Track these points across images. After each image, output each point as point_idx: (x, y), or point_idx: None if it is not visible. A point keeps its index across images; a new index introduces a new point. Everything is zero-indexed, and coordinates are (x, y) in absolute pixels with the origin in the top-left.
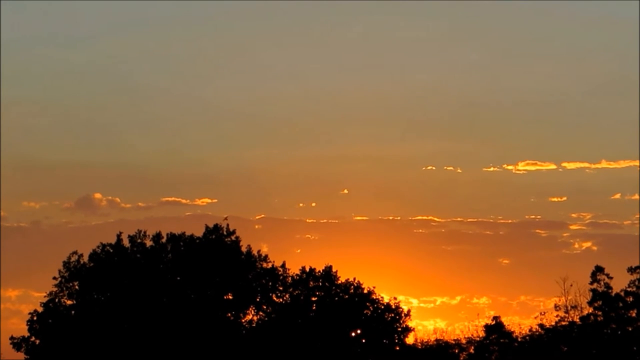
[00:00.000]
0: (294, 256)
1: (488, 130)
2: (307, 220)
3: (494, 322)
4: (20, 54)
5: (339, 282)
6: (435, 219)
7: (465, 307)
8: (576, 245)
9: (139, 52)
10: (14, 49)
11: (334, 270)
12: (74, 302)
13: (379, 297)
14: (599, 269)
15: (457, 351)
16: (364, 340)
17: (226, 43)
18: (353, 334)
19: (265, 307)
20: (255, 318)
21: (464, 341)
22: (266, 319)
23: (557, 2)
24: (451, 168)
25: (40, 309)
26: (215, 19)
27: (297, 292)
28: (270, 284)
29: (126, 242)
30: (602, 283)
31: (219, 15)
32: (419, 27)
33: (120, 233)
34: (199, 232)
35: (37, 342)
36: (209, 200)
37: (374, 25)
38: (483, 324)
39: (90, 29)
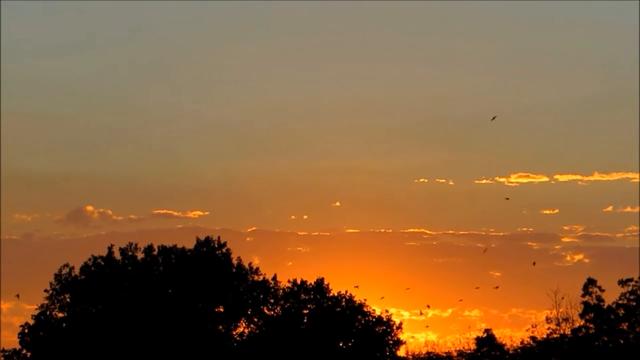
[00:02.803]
0: (285, 269)
1: (480, 143)
2: (299, 233)
3: (485, 335)
4: (13, 65)
5: (331, 294)
6: (427, 231)
7: (456, 319)
8: (568, 258)
9: (131, 65)
10: (5, 60)
11: (325, 282)
12: (65, 314)
13: (371, 309)
14: (590, 282)
15: None
16: (355, 353)
17: (218, 56)
18: (344, 347)
19: (256, 319)
20: (246, 330)
21: (455, 354)
22: (257, 331)
23: (550, 15)
24: (443, 180)
25: (31, 322)
26: (206, 31)
27: (288, 304)
28: (261, 296)
29: (117, 255)
30: (593, 295)
31: (210, 28)
32: (412, 38)
33: (112, 245)
34: (190, 245)
35: (29, 354)
36: (201, 213)
37: (367, 37)
38: (474, 336)
39: (81, 42)
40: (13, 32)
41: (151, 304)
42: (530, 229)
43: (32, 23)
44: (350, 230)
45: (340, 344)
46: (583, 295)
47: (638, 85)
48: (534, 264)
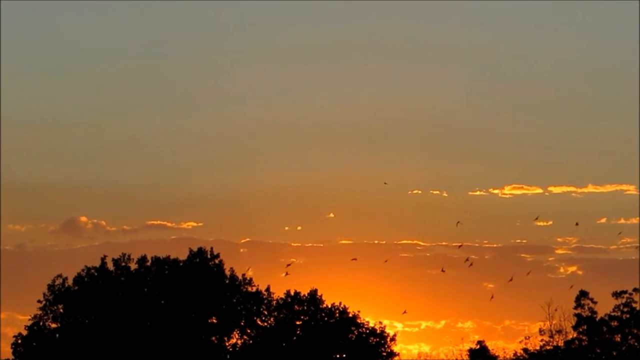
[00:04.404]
0: (279, 280)
1: (474, 154)
2: (293, 244)
3: (478, 347)
4: (11, 76)
5: (324, 306)
6: (421, 243)
7: (449, 331)
8: (561, 270)
9: (128, 77)
10: (4, 70)
11: (319, 294)
12: (59, 325)
13: (364, 321)
14: (583, 294)
15: None
16: None
17: (208, 66)
18: (338, 358)
19: (249, 330)
20: (239, 342)
21: None
22: (250, 342)
23: (546, 25)
24: (437, 192)
25: (25, 332)
26: (201, 45)
27: (281, 315)
28: (254, 307)
29: (111, 266)
30: (586, 308)
31: (205, 44)
32: (406, 49)
33: (105, 256)
34: (184, 256)
35: None
36: (195, 224)
37: (359, 49)
38: (467, 348)
39: (78, 54)
40: (12, 43)
41: (144, 315)
42: (524, 241)
43: (31, 34)
44: (344, 242)
45: (334, 356)
46: (576, 307)
47: (633, 97)
48: (529, 273)
